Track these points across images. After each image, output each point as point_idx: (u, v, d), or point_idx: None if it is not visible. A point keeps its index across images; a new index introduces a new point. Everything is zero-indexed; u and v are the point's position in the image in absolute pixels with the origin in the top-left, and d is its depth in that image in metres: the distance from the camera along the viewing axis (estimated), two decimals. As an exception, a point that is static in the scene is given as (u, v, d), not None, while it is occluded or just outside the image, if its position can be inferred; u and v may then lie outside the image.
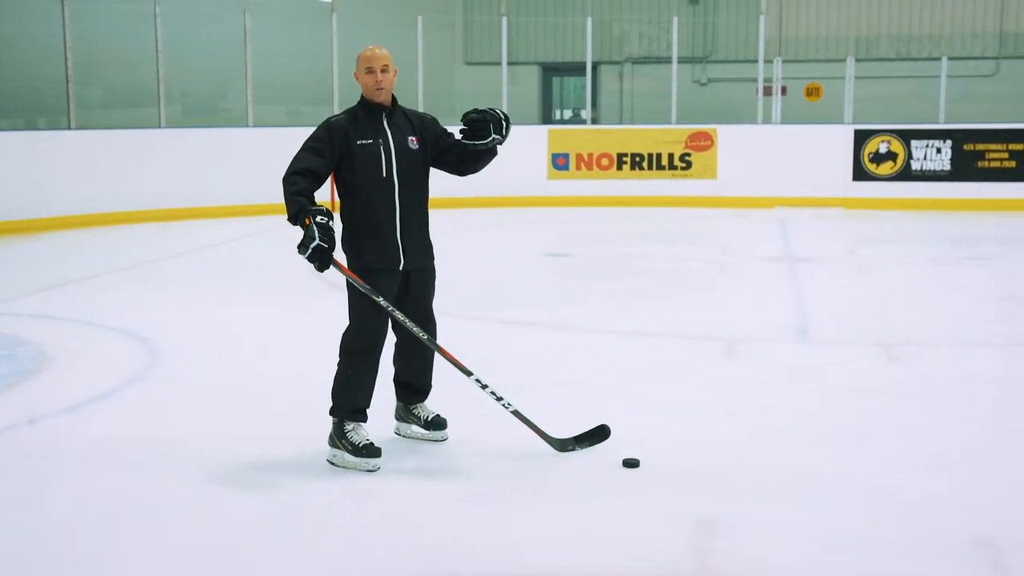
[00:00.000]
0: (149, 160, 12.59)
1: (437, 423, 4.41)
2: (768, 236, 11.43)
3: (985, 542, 3.41)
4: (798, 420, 4.75)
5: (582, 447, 4.24)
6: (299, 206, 3.93)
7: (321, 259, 3.90)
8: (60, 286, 8.30)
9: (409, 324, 4.14)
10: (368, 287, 4.07)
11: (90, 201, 12.00)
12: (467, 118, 4.15)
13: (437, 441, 4.39)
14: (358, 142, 4.08)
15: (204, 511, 3.70)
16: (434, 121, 4.31)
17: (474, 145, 4.14)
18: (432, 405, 4.44)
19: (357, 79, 4.17)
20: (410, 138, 4.18)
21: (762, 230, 11.97)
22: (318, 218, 3.90)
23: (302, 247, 3.92)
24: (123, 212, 12.26)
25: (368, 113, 4.16)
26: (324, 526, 3.56)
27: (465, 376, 4.23)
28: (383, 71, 4.11)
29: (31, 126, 14.08)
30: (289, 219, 3.98)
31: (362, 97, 4.18)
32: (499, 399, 4.21)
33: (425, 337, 4.18)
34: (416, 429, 4.43)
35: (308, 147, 4.07)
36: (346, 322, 4.17)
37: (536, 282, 8.79)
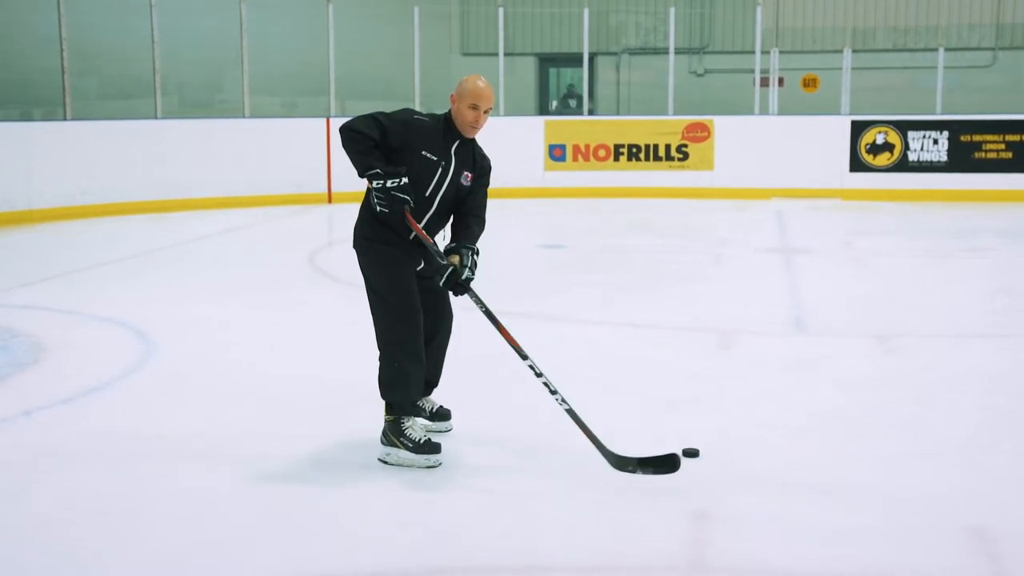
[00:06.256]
0: (145, 151, 12.55)
1: (442, 414, 4.41)
2: (765, 227, 11.44)
3: (980, 534, 3.42)
4: (793, 412, 4.75)
5: (645, 472, 3.84)
6: (367, 165, 3.93)
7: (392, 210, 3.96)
8: (55, 277, 8.29)
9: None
10: (435, 245, 4.06)
11: (85, 192, 11.97)
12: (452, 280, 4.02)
13: (442, 432, 4.38)
14: (423, 152, 4.03)
15: (200, 504, 3.70)
16: (487, 171, 4.26)
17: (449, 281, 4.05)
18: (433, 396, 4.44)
19: (453, 102, 4.09)
20: (465, 173, 4.15)
21: (759, 221, 11.97)
22: (389, 182, 3.91)
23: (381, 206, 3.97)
24: (119, 203, 12.21)
25: (447, 132, 4.10)
26: (322, 522, 3.55)
27: (521, 359, 4.09)
28: (485, 112, 4.08)
29: (26, 117, 14.02)
30: (361, 175, 3.98)
31: (449, 117, 4.12)
32: (553, 392, 4.03)
33: (483, 309, 4.10)
34: (420, 421, 4.39)
35: (380, 121, 3.98)
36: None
37: (530, 274, 8.79)
